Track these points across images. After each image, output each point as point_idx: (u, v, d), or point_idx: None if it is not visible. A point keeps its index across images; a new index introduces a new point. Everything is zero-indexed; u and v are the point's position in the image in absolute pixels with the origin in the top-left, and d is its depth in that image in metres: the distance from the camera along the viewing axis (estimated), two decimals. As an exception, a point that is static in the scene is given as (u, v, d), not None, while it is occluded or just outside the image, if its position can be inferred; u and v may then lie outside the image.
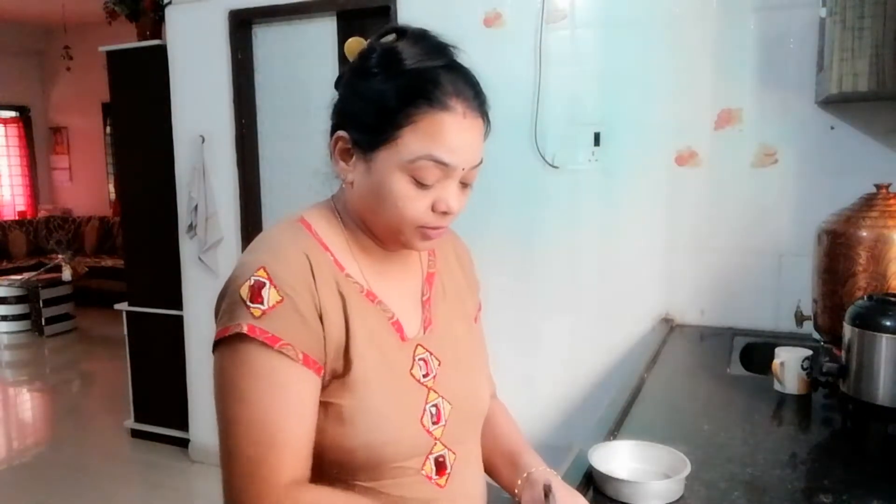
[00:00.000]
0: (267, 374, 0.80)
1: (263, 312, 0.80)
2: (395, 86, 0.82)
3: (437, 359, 0.93)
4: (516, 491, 0.97)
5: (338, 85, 0.92)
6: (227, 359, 0.82)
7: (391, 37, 0.87)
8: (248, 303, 0.81)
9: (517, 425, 1.10)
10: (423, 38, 0.86)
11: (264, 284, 0.81)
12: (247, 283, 0.81)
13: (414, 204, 0.84)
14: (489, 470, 1.04)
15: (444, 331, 0.96)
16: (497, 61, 2.50)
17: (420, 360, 0.91)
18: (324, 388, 0.85)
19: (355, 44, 0.91)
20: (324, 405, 0.84)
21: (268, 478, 0.79)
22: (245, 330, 0.80)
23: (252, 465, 0.80)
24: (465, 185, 0.88)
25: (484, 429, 1.04)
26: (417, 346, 0.92)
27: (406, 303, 0.95)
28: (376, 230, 0.90)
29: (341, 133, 0.87)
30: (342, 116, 0.89)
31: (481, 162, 0.88)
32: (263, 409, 0.80)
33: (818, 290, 1.66)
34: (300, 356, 0.81)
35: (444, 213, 0.86)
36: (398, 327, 0.91)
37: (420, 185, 0.84)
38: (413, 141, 0.82)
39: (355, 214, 0.91)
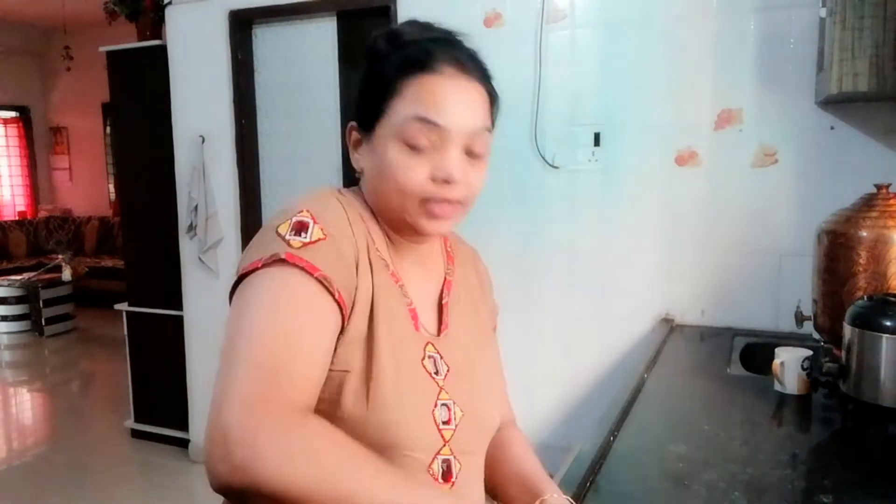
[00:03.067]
0: (301, 294, 0.75)
1: (304, 244, 0.77)
2: (392, 62, 0.85)
3: (446, 364, 0.90)
4: None
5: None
6: (257, 280, 0.76)
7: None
8: (288, 237, 0.77)
9: (535, 457, 1.06)
10: (423, 22, 0.90)
11: (307, 223, 0.79)
12: (287, 222, 0.79)
13: (412, 172, 0.83)
14: (503, 497, 1.01)
15: (456, 338, 0.94)
16: (497, 61, 2.47)
17: (430, 356, 0.89)
18: (339, 356, 0.80)
19: None
20: (341, 374, 0.80)
21: (282, 391, 0.71)
22: (283, 256, 0.75)
23: (267, 373, 0.71)
24: (472, 155, 0.85)
25: (501, 455, 1.01)
26: (428, 343, 0.90)
27: (424, 301, 0.93)
28: (387, 216, 0.89)
29: (352, 122, 0.90)
30: (354, 108, 0.91)
31: (489, 130, 0.87)
32: (291, 323, 0.74)
33: (818, 291, 1.66)
34: (336, 293, 0.78)
35: (446, 182, 0.83)
36: (414, 315, 0.89)
37: (414, 149, 0.82)
38: (402, 107, 0.83)
39: (371, 204, 0.91)
